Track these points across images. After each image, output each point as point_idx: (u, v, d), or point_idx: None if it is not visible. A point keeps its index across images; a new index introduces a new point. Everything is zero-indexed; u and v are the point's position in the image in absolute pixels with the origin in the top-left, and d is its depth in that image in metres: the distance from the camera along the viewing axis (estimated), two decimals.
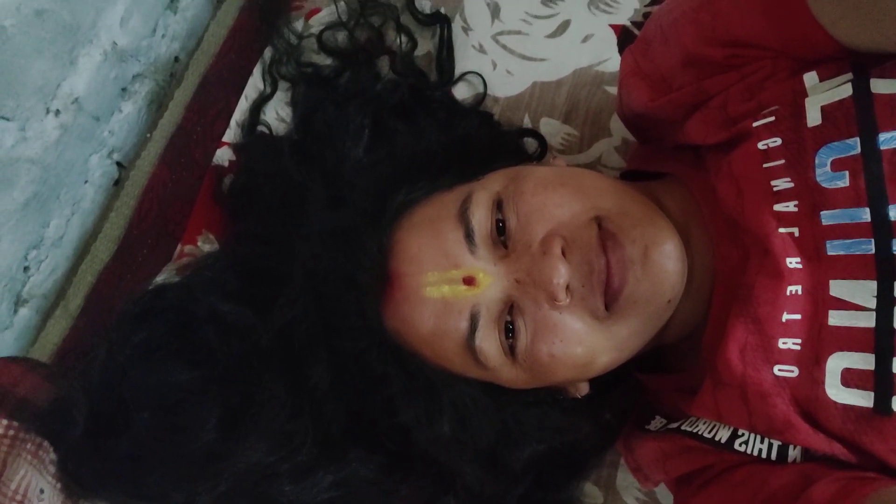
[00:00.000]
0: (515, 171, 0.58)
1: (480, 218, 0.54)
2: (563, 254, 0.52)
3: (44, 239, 0.91)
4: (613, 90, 0.77)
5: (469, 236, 0.54)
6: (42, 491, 0.57)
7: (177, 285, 0.64)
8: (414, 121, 0.76)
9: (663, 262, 0.52)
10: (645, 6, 0.80)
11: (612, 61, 0.79)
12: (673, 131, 0.61)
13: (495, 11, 0.83)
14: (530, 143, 0.79)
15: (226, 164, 0.85)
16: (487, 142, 0.73)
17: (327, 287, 0.57)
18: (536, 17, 0.82)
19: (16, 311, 0.90)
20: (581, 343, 0.53)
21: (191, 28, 1.02)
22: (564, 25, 0.82)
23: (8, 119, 0.84)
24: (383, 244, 0.56)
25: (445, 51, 0.83)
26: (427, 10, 0.85)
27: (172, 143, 0.86)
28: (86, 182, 0.95)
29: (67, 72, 0.89)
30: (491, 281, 0.53)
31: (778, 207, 0.52)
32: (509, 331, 0.54)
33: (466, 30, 0.83)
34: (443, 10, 0.84)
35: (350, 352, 0.57)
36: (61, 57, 0.87)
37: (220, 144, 0.86)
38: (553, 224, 0.53)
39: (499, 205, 0.55)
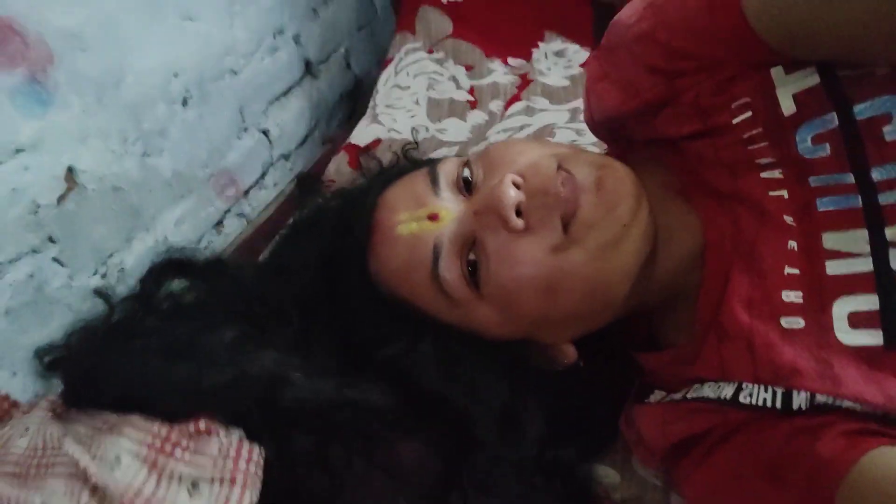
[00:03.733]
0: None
1: (448, 168, 0.61)
2: (518, 187, 0.56)
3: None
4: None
5: (435, 182, 0.60)
6: None
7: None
8: None
9: (615, 187, 0.55)
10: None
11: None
12: (643, 128, 0.65)
13: None
14: None
15: None
16: None
17: (331, 245, 0.63)
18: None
19: None
20: (539, 264, 0.54)
21: (229, 246, 1.20)
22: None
23: (62, 265, 0.95)
24: (373, 202, 0.62)
25: None
26: None
27: None
28: None
29: (122, 246, 1.03)
30: (453, 217, 0.57)
31: (764, 175, 0.57)
32: (472, 266, 0.56)
33: None
34: None
35: (346, 294, 0.60)
36: (121, 232, 1.03)
37: None
38: (514, 168, 0.57)
39: (467, 164, 0.61)
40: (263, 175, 1.28)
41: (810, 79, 0.53)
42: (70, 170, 0.94)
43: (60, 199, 0.93)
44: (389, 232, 0.59)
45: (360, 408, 0.54)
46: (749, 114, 0.56)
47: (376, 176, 0.71)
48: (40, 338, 0.91)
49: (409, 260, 0.58)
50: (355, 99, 1.48)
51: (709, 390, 0.56)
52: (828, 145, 0.53)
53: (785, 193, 0.56)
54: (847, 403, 0.50)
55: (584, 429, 0.64)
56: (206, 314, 0.61)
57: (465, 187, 0.60)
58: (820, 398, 0.50)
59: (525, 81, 1.09)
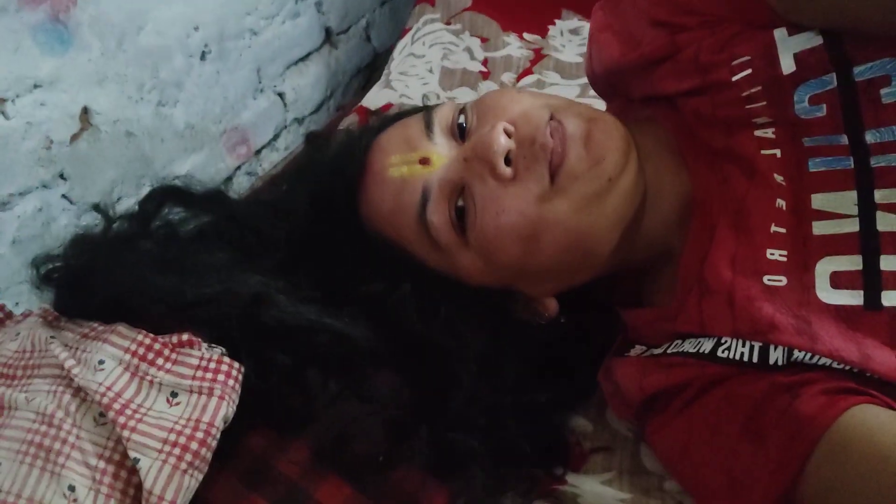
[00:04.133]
0: None
1: (443, 113, 0.60)
2: (509, 135, 0.56)
3: None
4: None
5: (429, 126, 0.60)
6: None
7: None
8: None
9: (603, 140, 0.55)
10: None
11: None
12: (641, 83, 0.64)
13: None
14: None
15: None
16: None
17: (323, 184, 0.64)
18: None
19: None
20: (523, 213, 0.54)
21: None
22: None
23: (71, 202, 0.97)
24: (366, 144, 0.63)
25: None
26: None
27: None
28: None
29: (131, 192, 1.05)
30: (444, 162, 0.57)
31: (758, 133, 0.57)
32: (460, 212, 0.57)
33: None
34: None
35: (334, 231, 0.61)
36: (131, 178, 1.05)
37: None
38: (506, 117, 0.57)
39: (463, 111, 0.60)
40: (276, 137, 1.30)
41: (813, 39, 0.53)
42: (85, 110, 0.96)
43: (74, 137, 0.95)
44: (380, 174, 0.60)
45: (339, 335, 0.56)
46: (749, 71, 0.56)
47: (375, 122, 0.72)
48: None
49: (398, 202, 0.59)
50: (372, 72, 1.49)
51: (689, 345, 0.56)
52: (825, 106, 0.53)
53: (778, 153, 0.56)
54: (825, 360, 0.50)
55: (562, 379, 0.64)
56: (199, 239, 0.62)
57: (459, 133, 0.60)
58: (797, 354, 0.51)
59: (538, 56, 1.09)
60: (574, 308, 0.64)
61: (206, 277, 0.56)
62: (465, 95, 1.06)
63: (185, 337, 0.53)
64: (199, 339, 0.53)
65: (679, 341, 0.58)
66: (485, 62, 1.12)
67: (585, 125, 0.56)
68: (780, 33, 0.54)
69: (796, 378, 0.50)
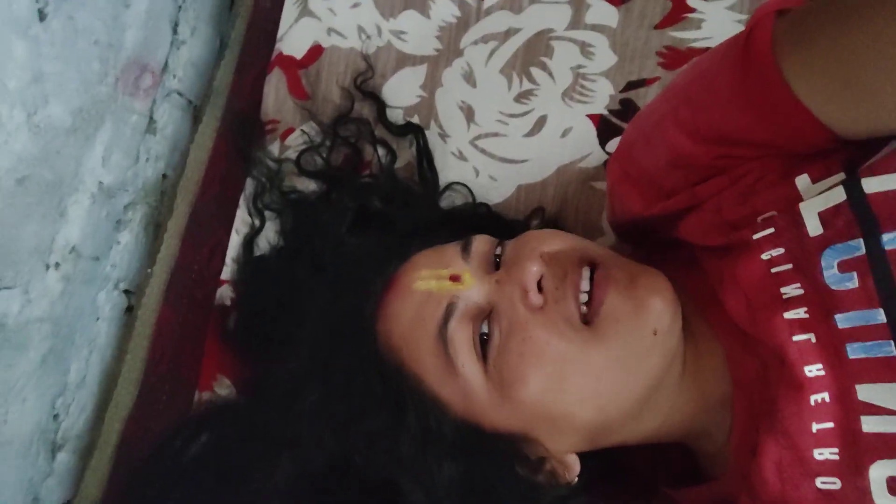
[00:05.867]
0: None
1: (481, 242, 0.60)
2: (546, 263, 0.56)
3: (67, 385, 0.93)
4: (600, 185, 0.75)
5: (466, 249, 0.60)
6: None
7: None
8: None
9: (649, 289, 0.53)
10: (620, 91, 0.77)
11: (595, 155, 0.76)
12: (666, 230, 0.62)
13: (469, 115, 0.81)
14: None
15: (228, 302, 0.85)
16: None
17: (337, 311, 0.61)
18: (511, 115, 0.79)
19: (54, 458, 0.93)
20: (550, 344, 0.53)
21: (172, 144, 1.02)
22: (541, 122, 0.80)
23: (10, 287, 0.85)
24: (396, 266, 0.61)
25: (425, 161, 0.81)
26: (400, 122, 0.83)
27: (173, 282, 0.87)
28: (98, 319, 0.97)
29: (59, 225, 0.90)
30: (475, 283, 0.57)
31: (788, 315, 0.51)
32: (484, 339, 0.55)
33: (444, 136, 0.81)
34: (416, 119, 0.81)
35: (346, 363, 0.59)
36: (50, 214, 0.88)
37: (220, 283, 0.86)
38: (544, 248, 0.57)
39: (500, 244, 0.60)
40: (175, 28, 1.00)
41: (836, 192, 0.49)
42: None
43: None
44: (406, 287, 0.58)
45: None
46: (772, 230, 0.52)
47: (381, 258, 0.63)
48: (25, 367, 0.89)
49: (419, 313, 0.56)
50: None
51: None
52: (855, 275, 0.49)
53: (812, 337, 0.50)
54: None
55: None
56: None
57: (495, 266, 0.60)
58: None
59: None
60: (597, 467, 0.62)
61: None
62: (414, 23, 0.79)
63: None
64: None
65: None
66: None
67: (629, 272, 0.54)
68: (802, 182, 0.52)
69: None
